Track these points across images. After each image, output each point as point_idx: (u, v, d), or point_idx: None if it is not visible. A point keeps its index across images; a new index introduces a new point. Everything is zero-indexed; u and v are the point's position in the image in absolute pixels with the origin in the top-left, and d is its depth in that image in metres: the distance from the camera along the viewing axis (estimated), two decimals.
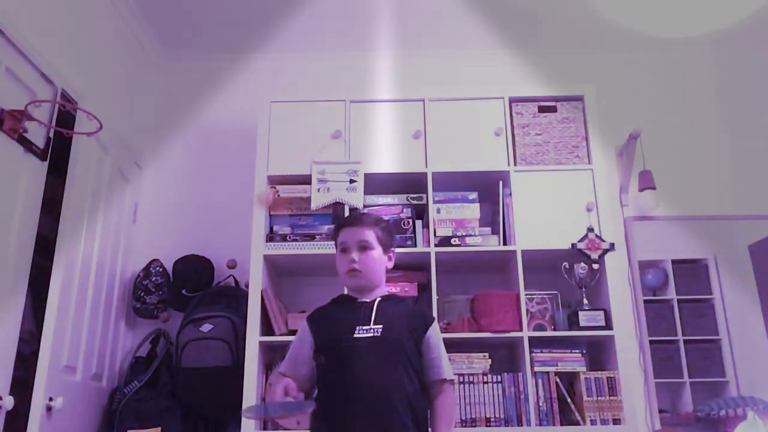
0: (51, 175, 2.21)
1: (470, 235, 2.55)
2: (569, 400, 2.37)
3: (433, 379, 1.77)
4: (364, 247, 1.83)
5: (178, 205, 3.02)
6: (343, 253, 1.86)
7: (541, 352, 2.42)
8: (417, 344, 1.78)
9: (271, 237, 2.56)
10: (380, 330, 1.74)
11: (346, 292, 2.01)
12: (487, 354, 2.45)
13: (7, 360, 1.94)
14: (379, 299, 1.84)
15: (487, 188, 2.66)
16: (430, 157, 2.64)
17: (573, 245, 2.51)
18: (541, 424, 2.33)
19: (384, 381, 1.69)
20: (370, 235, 1.85)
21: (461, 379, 2.39)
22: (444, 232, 2.56)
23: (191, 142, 3.13)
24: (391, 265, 1.92)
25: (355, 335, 1.74)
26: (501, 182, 2.64)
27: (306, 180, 2.60)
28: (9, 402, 1.87)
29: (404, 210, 2.60)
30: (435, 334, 1.83)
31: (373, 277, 1.85)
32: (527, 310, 2.48)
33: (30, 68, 2.08)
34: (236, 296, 2.64)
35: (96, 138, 2.33)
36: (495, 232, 2.58)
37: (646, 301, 2.81)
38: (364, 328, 1.75)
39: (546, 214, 2.55)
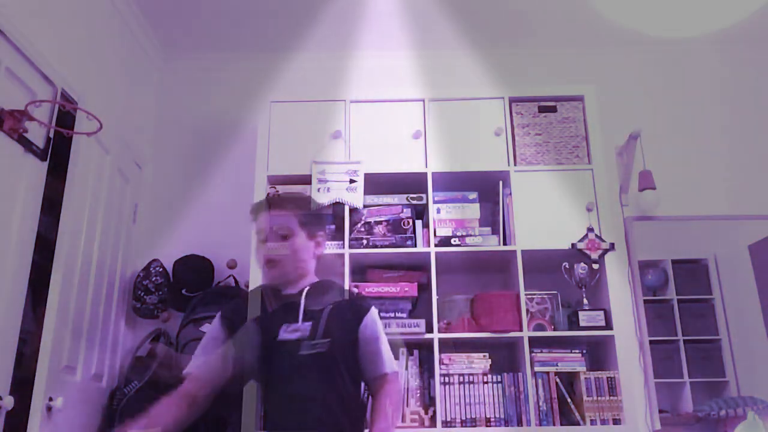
0: (51, 175, 2.21)
1: (470, 235, 2.55)
2: (569, 400, 2.37)
3: (372, 375, 1.63)
4: (284, 235, 1.66)
5: (178, 205, 3.02)
6: (262, 241, 1.68)
7: (541, 352, 2.42)
8: (351, 338, 1.62)
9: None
10: (308, 328, 1.58)
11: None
12: (487, 354, 2.45)
13: (7, 360, 1.94)
14: (307, 289, 1.66)
15: (487, 188, 2.66)
16: (430, 157, 2.64)
17: (573, 245, 2.51)
18: (541, 424, 2.33)
19: (315, 387, 1.56)
20: (290, 221, 1.67)
21: (461, 379, 2.39)
22: (444, 232, 2.56)
23: (191, 142, 3.13)
24: (321, 251, 1.74)
25: (279, 337, 1.58)
26: (501, 182, 2.64)
27: (306, 180, 2.60)
28: (9, 402, 1.87)
29: (404, 210, 2.60)
30: (371, 324, 1.65)
31: (296, 267, 1.67)
32: (527, 310, 2.48)
33: (30, 68, 2.08)
34: (236, 296, 2.64)
35: (96, 138, 2.33)
36: (495, 232, 2.58)
37: (646, 301, 2.81)
38: (291, 327, 1.59)
39: (546, 214, 2.55)
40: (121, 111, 2.81)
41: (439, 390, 2.35)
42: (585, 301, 2.49)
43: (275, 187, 2.60)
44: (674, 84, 3.19)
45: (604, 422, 2.33)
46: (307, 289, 1.65)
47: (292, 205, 1.71)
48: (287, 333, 1.58)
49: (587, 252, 2.50)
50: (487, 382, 2.39)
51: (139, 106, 3.02)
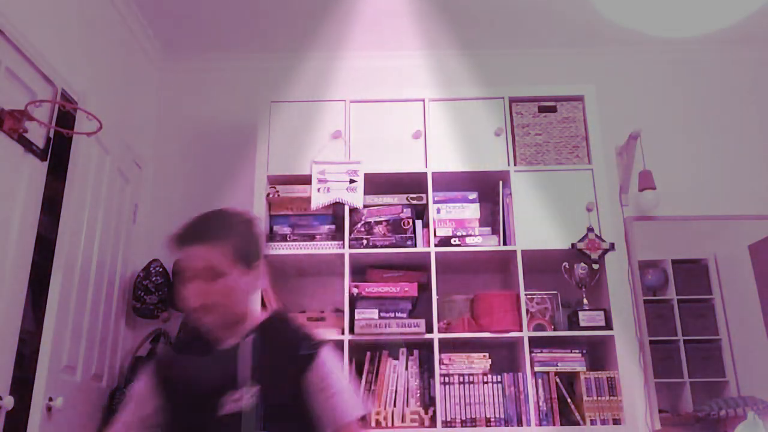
0: (51, 175, 2.21)
1: (470, 235, 2.55)
2: (569, 400, 2.37)
3: (331, 428, 1.36)
4: (215, 274, 1.32)
5: (178, 205, 3.02)
6: (188, 282, 1.34)
7: (541, 352, 2.42)
8: (299, 392, 1.33)
9: (271, 237, 2.56)
10: (253, 395, 1.28)
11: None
12: (487, 354, 2.45)
13: (7, 360, 1.94)
14: (248, 341, 1.35)
15: (487, 188, 2.67)
16: (430, 157, 2.64)
17: (573, 245, 2.51)
18: (541, 424, 2.33)
19: None
20: (219, 257, 1.32)
21: (461, 379, 2.39)
22: (444, 232, 2.56)
23: (191, 142, 3.13)
24: (261, 282, 1.42)
25: (219, 412, 1.28)
26: (501, 182, 2.64)
27: (306, 180, 2.60)
28: (9, 402, 1.87)
29: (404, 210, 2.60)
30: (319, 370, 1.34)
31: (234, 310, 1.36)
32: (527, 310, 2.48)
33: (30, 68, 2.08)
34: None
35: (96, 138, 2.33)
36: (495, 232, 2.58)
37: (646, 301, 2.81)
38: (231, 398, 1.29)
39: (546, 214, 2.55)
40: (121, 111, 2.81)
41: (439, 390, 2.35)
42: (585, 301, 2.49)
43: (275, 187, 2.60)
44: (674, 84, 3.19)
45: (604, 422, 2.33)
46: (249, 341, 1.35)
47: (217, 235, 1.34)
48: (227, 406, 1.28)
49: (587, 252, 2.50)
50: (487, 382, 2.39)
51: (139, 106, 3.02)
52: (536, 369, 2.39)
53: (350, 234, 2.53)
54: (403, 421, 2.34)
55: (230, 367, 1.32)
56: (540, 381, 2.38)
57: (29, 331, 2.26)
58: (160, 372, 1.41)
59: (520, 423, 2.34)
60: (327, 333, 2.41)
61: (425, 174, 2.62)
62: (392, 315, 2.45)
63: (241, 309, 1.38)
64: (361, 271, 2.63)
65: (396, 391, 2.39)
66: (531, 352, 2.40)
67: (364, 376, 2.41)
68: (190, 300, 1.33)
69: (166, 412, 1.36)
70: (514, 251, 2.51)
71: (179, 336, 1.39)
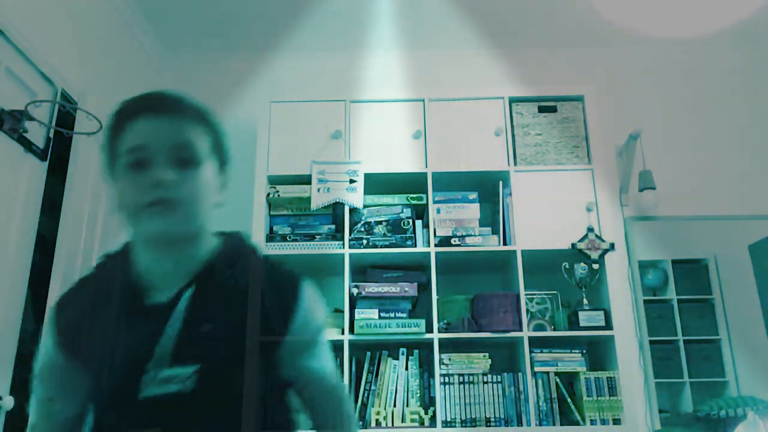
0: (51, 175, 2.21)
1: (470, 235, 2.55)
2: (569, 400, 2.37)
3: (319, 399, 1.02)
4: (188, 161, 0.95)
5: None
6: (139, 168, 0.93)
7: (541, 352, 2.42)
8: (277, 357, 1.02)
9: (271, 237, 2.56)
10: (195, 374, 0.93)
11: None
12: (487, 354, 2.45)
13: (7, 360, 1.94)
14: (190, 292, 0.96)
15: (487, 188, 2.67)
16: (430, 157, 2.64)
17: (573, 245, 2.51)
18: (541, 424, 2.33)
19: None
20: (199, 137, 0.98)
21: (461, 379, 2.39)
22: (444, 232, 2.56)
23: None
24: (221, 197, 1.02)
25: (142, 393, 0.90)
26: (501, 182, 2.64)
27: (306, 180, 2.60)
28: (9, 402, 1.87)
29: (404, 210, 2.60)
30: (306, 322, 1.02)
31: (195, 217, 0.97)
32: (527, 310, 2.48)
33: (30, 68, 2.08)
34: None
35: (96, 138, 2.33)
36: (495, 232, 2.58)
37: (646, 301, 2.81)
38: (163, 375, 0.90)
39: (546, 214, 2.55)
40: None
41: (439, 390, 2.35)
42: (585, 301, 2.49)
43: (275, 187, 2.60)
44: (674, 84, 3.19)
45: (604, 422, 2.33)
46: (191, 291, 0.96)
47: (195, 111, 1.01)
48: (155, 386, 0.90)
49: (587, 252, 2.50)
50: (487, 382, 2.39)
51: None
52: (536, 369, 2.39)
53: (350, 234, 2.53)
54: (403, 421, 2.34)
55: (162, 337, 0.92)
56: (540, 381, 2.38)
57: (29, 331, 2.26)
58: (63, 330, 1.04)
59: (520, 423, 2.34)
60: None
61: (425, 174, 2.62)
62: (392, 315, 2.45)
63: (199, 219, 0.97)
64: (361, 271, 2.63)
65: (396, 391, 2.40)
66: (531, 352, 2.40)
67: (364, 376, 2.41)
68: (144, 191, 0.91)
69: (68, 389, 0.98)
70: (514, 251, 2.51)
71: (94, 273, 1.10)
